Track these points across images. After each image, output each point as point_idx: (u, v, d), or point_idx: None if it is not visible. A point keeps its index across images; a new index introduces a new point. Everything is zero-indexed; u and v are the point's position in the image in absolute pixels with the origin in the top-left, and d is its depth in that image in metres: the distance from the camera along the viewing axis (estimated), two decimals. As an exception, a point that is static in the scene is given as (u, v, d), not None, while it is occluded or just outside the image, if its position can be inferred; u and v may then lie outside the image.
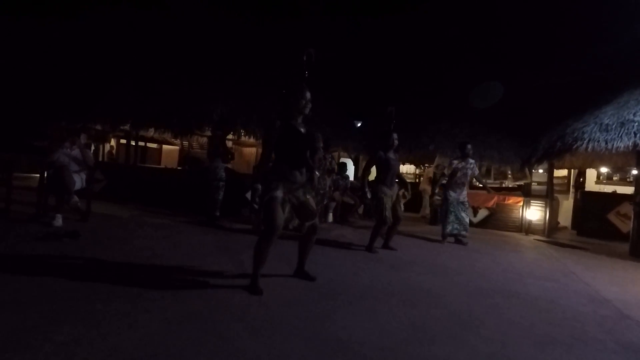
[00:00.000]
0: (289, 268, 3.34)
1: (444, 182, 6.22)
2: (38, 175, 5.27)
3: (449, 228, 5.84)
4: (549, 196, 8.05)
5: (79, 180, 4.90)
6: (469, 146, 5.98)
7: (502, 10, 11.43)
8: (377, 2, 13.81)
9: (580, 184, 10.17)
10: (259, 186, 2.79)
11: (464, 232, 5.86)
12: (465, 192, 5.97)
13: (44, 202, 4.98)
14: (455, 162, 5.92)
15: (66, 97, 8.26)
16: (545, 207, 7.93)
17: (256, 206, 2.90)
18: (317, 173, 3.11)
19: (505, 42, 10.99)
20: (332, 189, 6.76)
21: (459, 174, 5.85)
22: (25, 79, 9.19)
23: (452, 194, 5.86)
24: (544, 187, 8.44)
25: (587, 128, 6.68)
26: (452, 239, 5.93)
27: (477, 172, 6.25)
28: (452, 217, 5.84)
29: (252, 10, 10.14)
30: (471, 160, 6.00)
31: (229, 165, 6.42)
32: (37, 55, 9.41)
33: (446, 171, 6.00)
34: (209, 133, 7.68)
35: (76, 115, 7.90)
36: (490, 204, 8.35)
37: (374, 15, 13.28)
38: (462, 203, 5.91)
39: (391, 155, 4.79)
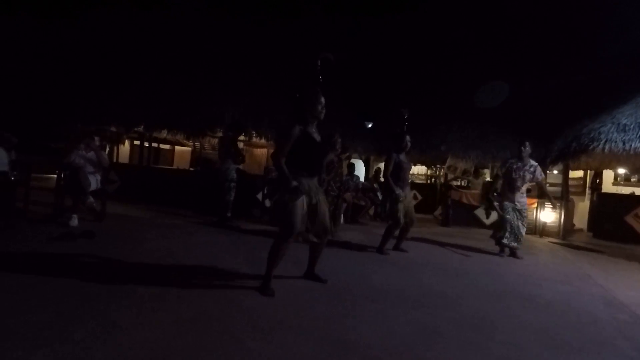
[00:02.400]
0: (299, 270, 3.35)
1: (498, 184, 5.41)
2: (55, 176, 5.39)
3: (504, 238, 5.16)
4: (564, 198, 7.90)
5: (94, 181, 5.01)
6: (527, 144, 5.20)
7: (515, 7, 11.27)
8: (388, 1, 13.75)
9: (596, 186, 9.95)
10: (295, 183, 2.72)
11: (514, 244, 5.16)
12: (524, 199, 5.25)
13: (60, 203, 5.09)
14: (511, 161, 5.23)
15: (81, 100, 8.45)
16: (560, 209, 7.79)
17: (268, 201, 2.88)
18: (324, 177, 3.09)
19: (518, 40, 10.82)
20: (343, 190, 6.72)
21: (513, 176, 5.11)
22: (42, 82, 9.42)
23: (507, 201, 5.18)
24: (558, 189, 8.28)
25: (604, 128, 6.55)
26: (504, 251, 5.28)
27: (540, 177, 5.28)
28: (506, 226, 5.13)
29: (262, 11, 10.21)
30: (532, 163, 5.21)
31: (240, 167, 6.47)
32: (53, 59, 9.64)
33: (500, 172, 5.26)
34: (220, 134, 7.76)
35: (91, 118, 8.08)
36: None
37: (384, 14, 13.23)
38: (519, 211, 5.16)
39: (403, 157, 4.76)
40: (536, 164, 5.24)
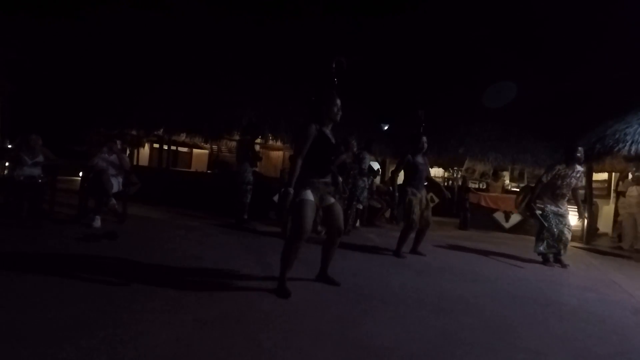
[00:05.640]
0: (311, 272, 3.32)
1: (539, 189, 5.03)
2: (78, 178, 5.57)
3: (541, 246, 4.92)
4: (587, 201, 7.66)
5: (116, 184, 5.15)
6: (580, 149, 4.89)
7: (537, 7, 11.03)
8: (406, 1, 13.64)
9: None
10: (291, 190, 2.78)
11: (563, 251, 4.89)
12: (566, 205, 5.00)
13: (84, 204, 5.25)
14: (559, 167, 4.89)
15: (104, 105, 8.72)
16: (584, 212, 7.55)
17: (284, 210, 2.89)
18: (340, 179, 3.08)
19: (540, 40, 10.59)
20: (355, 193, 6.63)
21: (559, 183, 4.85)
22: (66, 88, 9.75)
23: (549, 206, 4.91)
24: (582, 192, 8.04)
25: (629, 129, 6.35)
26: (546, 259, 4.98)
27: (581, 182, 5.09)
28: (546, 233, 4.88)
29: (280, 15, 10.31)
30: (579, 168, 4.91)
31: (257, 169, 6.54)
32: (76, 66, 9.96)
33: (544, 178, 4.92)
34: (237, 137, 7.86)
35: (113, 122, 8.32)
36: (515, 206, 8.04)
37: (404, 15, 13.12)
38: (562, 216, 4.91)
39: (419, 159, 4.71)
40: (582, 169, 4.95)
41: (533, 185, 5.15)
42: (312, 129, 2.85)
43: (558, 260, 4.92)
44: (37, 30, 10.27)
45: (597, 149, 6.75)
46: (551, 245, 4.87)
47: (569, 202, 5.09)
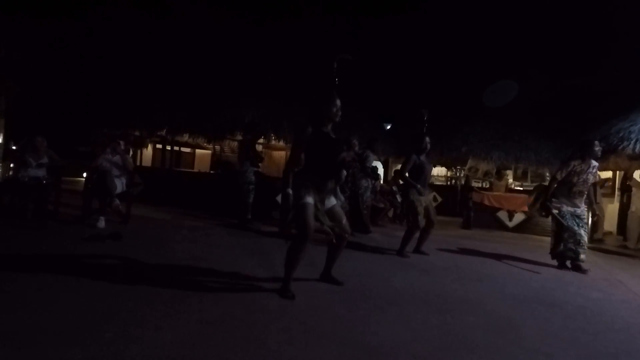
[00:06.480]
0: (315, 272, 3.31)
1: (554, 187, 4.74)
2: (83, 179, 5.59)
3: (559, 249, 4.61)
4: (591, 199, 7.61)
5: (119, 184, 5.17)
6: (598, 143, 4.63)
7: (540, 5, 10.99)
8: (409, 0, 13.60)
9: (626, 187, 9.56)
10: (290, 191, 2.79)
11: (582, 256, 4.55)
12: (583, 204, 4.72)
13: (88, 205, 5.27)
14: (574, 163, 4.55)
15: (107, 106, 8.75)
16: (588, 211, 7.51)
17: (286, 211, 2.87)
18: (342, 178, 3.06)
19: (544, 38, 10.55)
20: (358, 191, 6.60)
21: (576, 180, 4.55)
22: (69, 89, 9.79)
23: (565, 206, 4.62)
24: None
25: (634, 127, 6.33)
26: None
27: (597, 178, 4.83)
28: (565, 234, 4.55)
29: (282, 15, 10.31)
30: (595, 163, 4.61)
31: (259, 169, 6.54)
32: (79, 67, 10.00)
33: (558, 175, 4.64)
34: (240, 137, 7.88)
35: (116, 123, 8.35)
36: (527, 207, 8.02)
37: (407, 14, 13.09)
38: (579, 217, 4.62)
39: (423, 158, 4.71)
40: (597, 164, 4.65)
41: (546, 184, 4.93)
42: (306, 133, 2.83)
43: (577, 266, 4.57)
44: (41, 31, 10.31)
45: (601, 147, 6.70)
46: (570, 248, 4.56)
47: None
